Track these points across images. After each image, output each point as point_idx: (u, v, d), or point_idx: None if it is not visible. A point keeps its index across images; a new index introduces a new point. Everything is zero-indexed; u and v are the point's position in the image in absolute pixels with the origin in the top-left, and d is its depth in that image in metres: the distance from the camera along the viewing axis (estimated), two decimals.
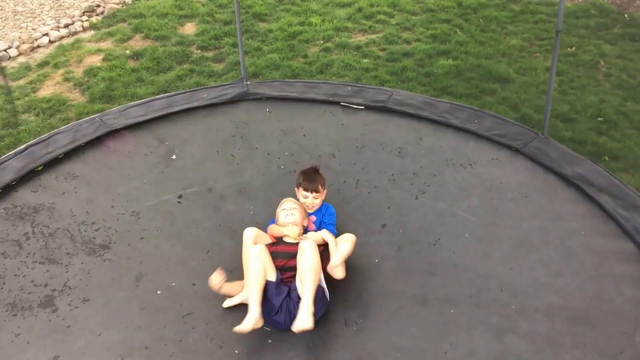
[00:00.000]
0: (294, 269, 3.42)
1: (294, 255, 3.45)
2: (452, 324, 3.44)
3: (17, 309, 3.51)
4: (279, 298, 3.32)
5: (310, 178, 3.85)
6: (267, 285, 3.36)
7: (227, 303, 3.54)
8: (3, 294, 3.59)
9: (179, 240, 3.97)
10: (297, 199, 3.92)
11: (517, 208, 4.16)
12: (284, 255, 3.51)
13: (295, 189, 3.94)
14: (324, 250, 3.60)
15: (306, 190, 3.83)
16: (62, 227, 4.01)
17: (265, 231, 3.79)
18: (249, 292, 3.33)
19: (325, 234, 3.67)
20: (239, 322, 3.43)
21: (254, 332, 3.37)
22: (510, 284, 3.65)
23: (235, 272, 3.73)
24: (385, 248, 3.91)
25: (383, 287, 3.66)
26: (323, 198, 3.91)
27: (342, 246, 3.57)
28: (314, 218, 3.86)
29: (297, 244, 3.51)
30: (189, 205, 4.23)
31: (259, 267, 3.36)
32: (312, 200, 3.83)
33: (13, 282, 3.66)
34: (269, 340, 3.36)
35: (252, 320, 3.20)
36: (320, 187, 3.85)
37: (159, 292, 3.62)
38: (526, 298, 3.57)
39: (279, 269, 3.45)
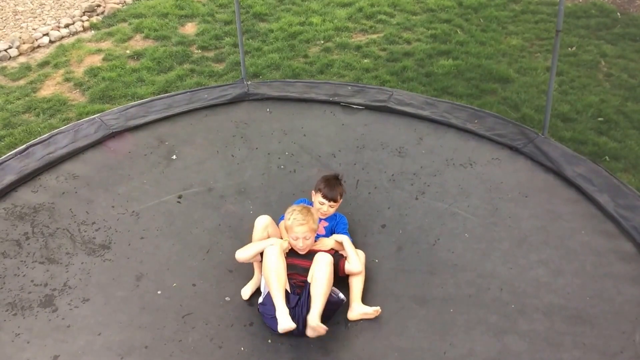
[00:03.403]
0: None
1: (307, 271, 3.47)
2: (451, 324, 3.44)
3: (17, 308, 3.51)
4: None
5: (332, 187, 3.83)
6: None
7: (246, 294, 3.60)
8: (3, 294, 3.59)
9: (179, 240, 3.97)
10: (312, 201, 3.92)
11: (517, 208, 4.16)
12: (298, 269, 3.50)
13: (313, 192, 3.91)
14: (335, 253, 3.63)
15: (325, 198, 3.81)
16: (62, 227, 4.01)
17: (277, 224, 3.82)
18: (273, 295, 3.31)
19: (338, 237, 3.70)
20: (239, 322, 3.45)
21: (253, 332, 3.39)
22: (510, 284, 3.65)
23: (236, 272, 3.75)
24: (385, 248, 3.91)
25: (383, 287, 3.66)
26: (337, 207, 3.91)
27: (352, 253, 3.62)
28: (325, 224, 3.86)
29: (311, 259, 3.50)
30: (189, 205, 4.23)
31: (280, 269, 3.37)
32: (327, 208, 3.82)
33: (13, 282, 3.66)
34: (269, 341, 3.36)
35: (284, 325, 3.21)
36: (339, 197, 3.85)
37: (159, 292, 3.62)
38: (526, 298, 3.57)
39: (293, 284, 3.44)
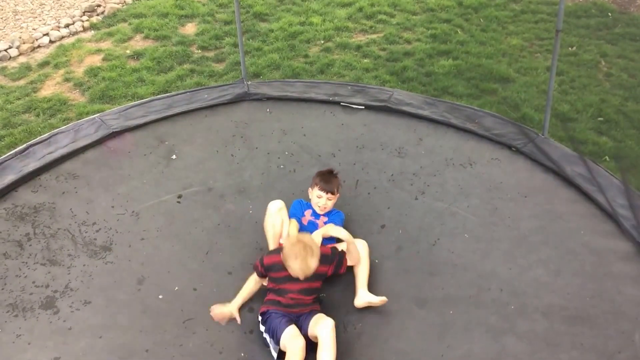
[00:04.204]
0: (304, 305, 3.38)
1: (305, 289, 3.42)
2: (450, 325, 3.44)
3: (19, 309, 3.52)
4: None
5: (328, 179, 3.87)
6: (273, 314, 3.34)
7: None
8: (4, 295, 3.59)
9: (179, 240, 3.97)
10: (308, 201, 3.93)
11: (516, 208, 4.16)
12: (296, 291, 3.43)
13: (309, 189, 3.93)
14: (333, 249, 3.62)
15: (322, 190, 3.82)
16: (63, 228, 4.01)
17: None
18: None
19: (327, 230, 3.68)
20: (240, 328, 3.46)
21: (253, 339, 3.40)
22: (510, 284, 3.65)
23: (234, 274, 3.75)
24: (385, 248, 3.91)
25: (382, 288, 3.65)
26: (335, 201, 3.91)
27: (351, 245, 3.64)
28: (325, 219, 3.87)
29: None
30: (188, 205, 4.23)
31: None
32: (325, 201, 3.84)
33: (14, 283, 3.66)
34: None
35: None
36: (336, 189, 3.87)
37: (160, 296, 3.61)
38: (525, 298, 3.57)
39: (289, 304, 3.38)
